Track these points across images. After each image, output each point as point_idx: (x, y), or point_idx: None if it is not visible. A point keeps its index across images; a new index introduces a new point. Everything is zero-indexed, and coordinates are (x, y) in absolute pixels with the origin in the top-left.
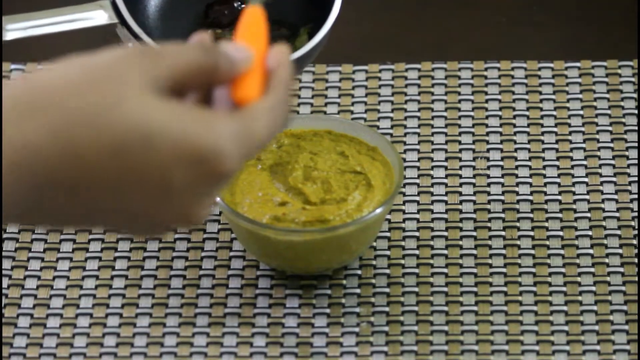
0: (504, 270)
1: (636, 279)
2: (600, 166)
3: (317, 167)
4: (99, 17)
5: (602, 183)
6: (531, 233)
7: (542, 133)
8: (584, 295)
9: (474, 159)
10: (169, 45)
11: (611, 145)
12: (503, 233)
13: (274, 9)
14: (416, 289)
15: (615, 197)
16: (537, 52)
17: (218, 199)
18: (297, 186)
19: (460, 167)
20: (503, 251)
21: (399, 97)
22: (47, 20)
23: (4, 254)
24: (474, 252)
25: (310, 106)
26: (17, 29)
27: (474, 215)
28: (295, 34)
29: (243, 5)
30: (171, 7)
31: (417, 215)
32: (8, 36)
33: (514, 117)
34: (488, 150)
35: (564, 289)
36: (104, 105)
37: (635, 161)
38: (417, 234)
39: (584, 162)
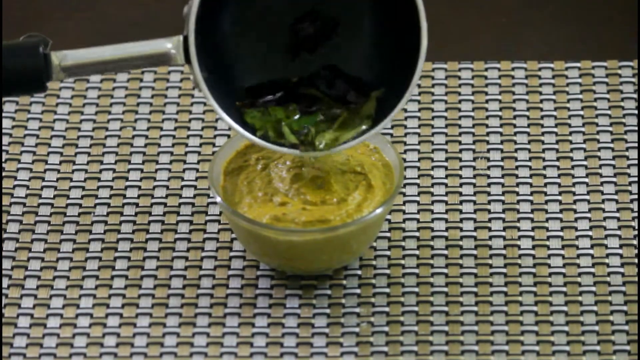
0: (504, 270)
1: (636, 279)
2: (600, 166)
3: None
4: (167, 59)
5: (602, 183)
6: (531, 233)
7: (542, 133)
8: (584, 296)
9: (474, 159)
10: None
11: (611, 145)
12: (503, 233)
13: (348, 62)
14: (416, 289)
15: (616, 197)
16: (537, 52)
17: (218, 198)
18: (297, 186)
19: (461, 168)
20: (503, 251)
21: None
22: (110, 57)
23: (4, 254)
24: (474, 252)
25: None
26: (72, 66)
27: (474, 216)
28: (365, 97)
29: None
30: (249, 39)
31: (417, 216)
32: (59, 77)
33: (514, 117)
34: (488, 150)
35: (564, 289)
36: None
37: (636, 161)
38: (417, 234)
39: (584, 163)
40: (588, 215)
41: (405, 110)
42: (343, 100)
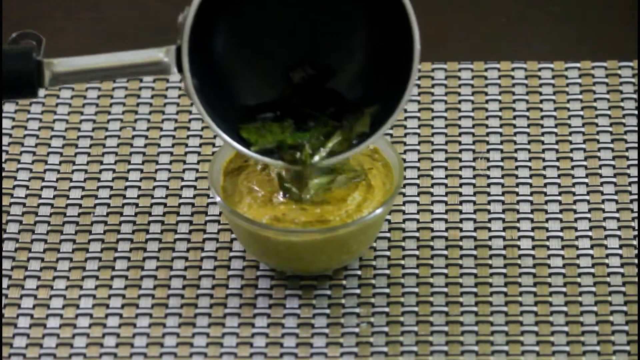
0: (504, 270)
1: (636, 279)
2: (600, 167)
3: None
4: (160, 68)
5: (602, 184)
6: (531, 234)
7: (542, 134)
8: (584, 296)
9: (474, 160)
10: None
11: (611, 145)
12: (503, 233)
13: (342, 80)
14: (416, 290)
15: (615, 197)
16: (537, 52)
17: (218, 199)
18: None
19: (460, 168)
20: (503, 252)
21: None
22: (102, 65)
23: (4, 254)
24: (474, 252)
25: None
26: (64, 73)
27: (474, 216)
28: (357, 115)
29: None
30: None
31: (417, 216)
32: (51, 83)
33: (514, 117)
34: (488, 150)
35: (564, 289)
36: None
37: (635, 162)
38: (417, 234)
39: (584, 163)
40: (588, 215)
41: (405, 111)
42: (338, 117)
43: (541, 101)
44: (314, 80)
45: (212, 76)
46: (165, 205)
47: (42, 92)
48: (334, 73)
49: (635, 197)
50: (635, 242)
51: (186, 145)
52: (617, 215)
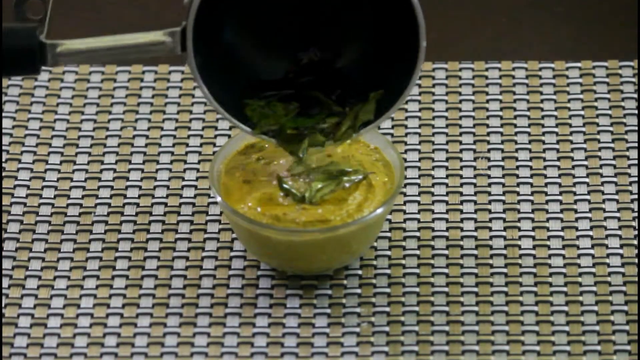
0: (504, 270)
1: (637, 279)
2: (601, 166)
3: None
4: (163, 48)
5: (602, 183)
6: (532, 233)
7: (543, 133)
8: (584, 296)
9: (475, 159)
10: None
11: (612, 145)
12: (504, 233)
13: (345, 63)
14: (417, 289)
15: (616, 197)
16: (537, 52)
17: (219, 198)
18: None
19: (461, 167)
20: (504, 251)
21: None
22: (105, 45)
23: (4, 254)
24: (475, 252)
25: None
26: (67, 53)
27: (474, 216)
28: (362, 100)
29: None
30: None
31: (417, 216)
32: (53, 63)
33: (515, 117)
34: (489, 150)
35: (564, 289)
36: None
37: (636, 161)
38: (417, 234)
39: (585, 163)
40: (589, 215)
41: (406, 110)
42: (343, 102)
43: (542, 101)
44: (321, 62)
45: (216, 56)
46: (166, 205)
47: (42, 91)
48: (342, 56)
49: (636, 196)
50: (635, 242)
51: (187, 144)
52: (617, 214)
